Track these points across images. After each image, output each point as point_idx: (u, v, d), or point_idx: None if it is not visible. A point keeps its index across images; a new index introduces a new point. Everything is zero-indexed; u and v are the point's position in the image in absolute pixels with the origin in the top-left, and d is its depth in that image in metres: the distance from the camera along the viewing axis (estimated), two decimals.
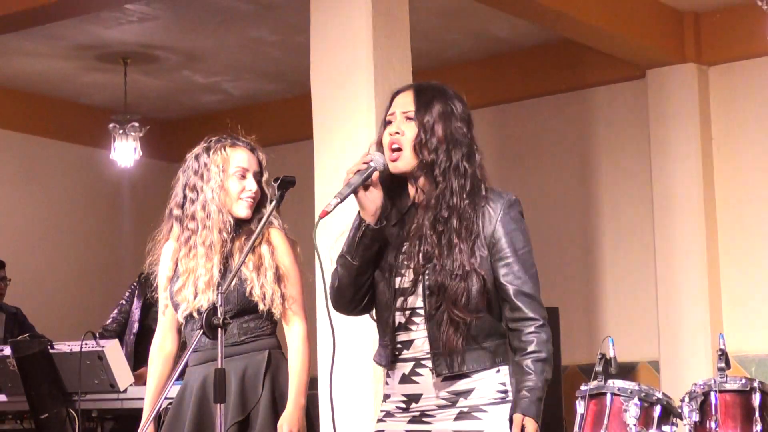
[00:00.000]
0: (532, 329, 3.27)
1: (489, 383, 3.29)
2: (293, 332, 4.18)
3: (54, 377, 5.39)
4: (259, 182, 4.24)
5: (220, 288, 3.39)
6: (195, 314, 4.10)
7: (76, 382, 5.31)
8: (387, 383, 3.42)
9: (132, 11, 8.38)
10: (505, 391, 3.30)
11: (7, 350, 5.60)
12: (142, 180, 10.50)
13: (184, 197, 4.23)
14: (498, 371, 3.31)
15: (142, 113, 10.03)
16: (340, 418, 5.98)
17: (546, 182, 9.55)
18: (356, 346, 5.97)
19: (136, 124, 9.44)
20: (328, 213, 3.24)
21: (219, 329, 3.23)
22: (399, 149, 3.33)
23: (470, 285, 3.25)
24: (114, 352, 5.33)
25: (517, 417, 3.19)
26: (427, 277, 3.27)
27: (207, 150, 4.26)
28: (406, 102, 3.39)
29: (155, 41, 9.11)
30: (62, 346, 5.47)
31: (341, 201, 3.25)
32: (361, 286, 3.36)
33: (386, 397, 3.42)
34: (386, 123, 3.40)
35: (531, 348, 3.25)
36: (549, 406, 7.47)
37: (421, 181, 3.36)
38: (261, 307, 4.09)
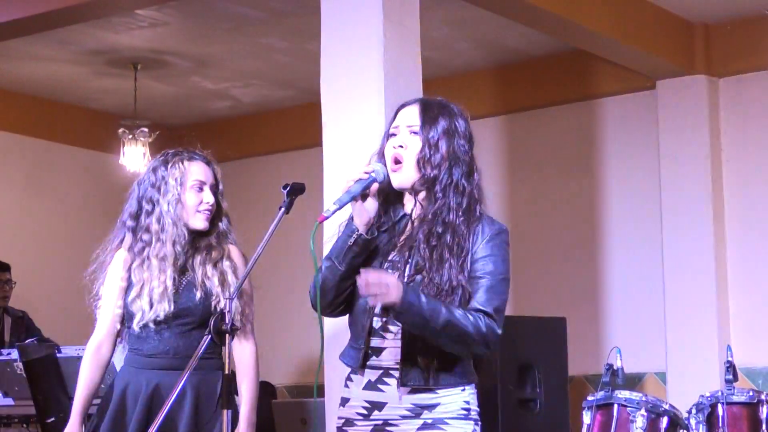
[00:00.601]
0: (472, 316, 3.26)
1: (454, 399, 3.34)
2: (246, 349, 4.24)
3: (60, 381, 5.40)
4: (215, 194, 4.28)
5: (228, 294, 3.41)
6: (151, 324, 4.16)
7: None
8: (347, 386, 3.42)
9: (143, 17, 8.40)
10: (468, 409, 3.35)
11: (14, 354, 5.61)
12: None
13: (140, 208, 4.29)
14: (463, 390, 3.36)
15: (151, 119, 10.05)
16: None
17: (554, 192, 9.54)
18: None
19: (146, 130, 9.45)
20: (326, 219, 3.28)
21: (227, 335, 3.25)
22: (401, 162, 3.37)
23: (455, 301, 3.27)
24: (120, 357, 5.33)
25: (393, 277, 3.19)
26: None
27: (165, 163, 4.32)
28: (411, 116, 3.42)
29: (165, 47, 9.12)
30: (69, 350, 5.48)
31: (339, 208, 3.29)
32: (344, 291, 3.39)
33: (344, 401, 3.42)
34: (389, 135, 3.43)
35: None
36: (556, 416, 7.46)
37: (421, 195, 3.40)
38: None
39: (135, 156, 9.45)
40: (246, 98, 10.51)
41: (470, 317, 3.24)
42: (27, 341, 5.51)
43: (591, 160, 9.46)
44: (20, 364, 5.51)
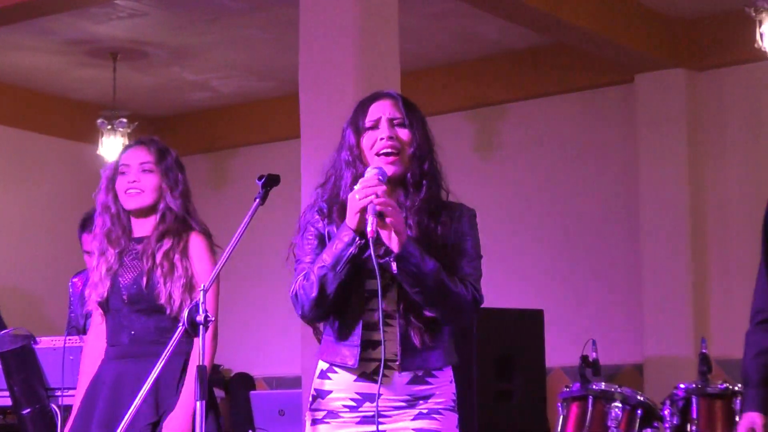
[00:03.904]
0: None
1: (445, 390, 3.41)
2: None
3: (38, 372, 5.38)
4: (149, 171, 4.28)
5: (203, 286, 3.39)
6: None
7: (59, 377, 5.32)
8: (329, 378, 3.40)
9: (122, 7, 8.38)
10: (455, 401, 3.44)
11: None
12: None
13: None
14: (451, 382, 3.43)
15: (131, 109, 10.03)
16: None
17: (532, 184, 9.56)
18: None
19: (125, 120, 9.43)
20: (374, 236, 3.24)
21: (200, 327, 3.24)
22: (396, 154, 3.40)
23: None
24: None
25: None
26: None
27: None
28: (393, 109, 3.46)
29: (145, 37, 9.11)
30: (46, 342, 5.47)
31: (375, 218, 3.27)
32: (339, 295, 3.34)
33: (324, 393, 3.41)
34: (367, 128, 3.43)
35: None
36: (533, 407, 7.48)
37: (405, 186, 3.42)
38: (168, 311, 4.13)
39: (113, 147, 9.43)
40: (226, 89, 10.49)
41: (459, 282, 3.32)
42: (2, 332, 5.49)
43: (569, 153, 9.48)
44: None
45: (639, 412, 5.67)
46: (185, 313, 3.30)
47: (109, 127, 9.45)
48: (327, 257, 3.30)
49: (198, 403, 3.22)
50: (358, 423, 3.35)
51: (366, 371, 3.34)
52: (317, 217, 3.44)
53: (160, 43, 9.24)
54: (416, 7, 8.27)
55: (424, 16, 8.59)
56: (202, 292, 3.27)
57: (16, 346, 5.41)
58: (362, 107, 3.48)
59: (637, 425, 5.65)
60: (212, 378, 4.14)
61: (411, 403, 3.35)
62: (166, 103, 10.82)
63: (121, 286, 4.22)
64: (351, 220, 3.26)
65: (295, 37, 6.54)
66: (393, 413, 3.35)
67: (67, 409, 5.36)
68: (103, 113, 9.55)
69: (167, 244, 4.21)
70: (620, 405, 5.64)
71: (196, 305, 3.28)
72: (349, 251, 3.26)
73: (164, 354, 3.32)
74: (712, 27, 8.82)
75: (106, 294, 4.24)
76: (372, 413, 3.33)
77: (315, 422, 3.39)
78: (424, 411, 3.34)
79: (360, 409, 3.35)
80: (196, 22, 8.81)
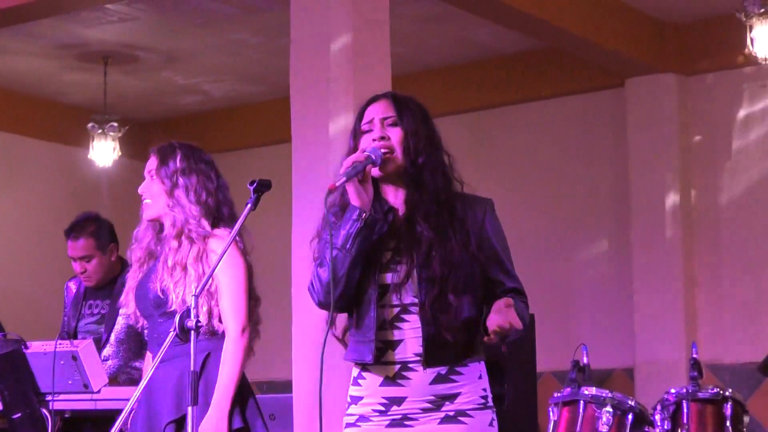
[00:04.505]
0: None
1: (473, 388, 3.37)
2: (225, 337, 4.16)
3: (28, 377, 5.37)
4: (153, 179, 4.30)
5: (194, 291, 3.39)
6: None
7: (50, 382, 5.31)
8: (359, 384, 3.42)
9: (113, 11, 8.38)
10: (486, 397, 3.40)
11: None
12: (120, 180, 10.46)
13: None
14: (480, 377, 3.39)
15: (121, 113, 10.01)
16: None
17: (522, 189, 9.56)
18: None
19: (115, 125, 9.42)
20: (336, 187, 3.29)
21: (191, 332, 3.24)
22: (389, 153, 3.40)
23: (466, 272, 3.35)
24: (88, 353, 5.32)
25: (508, 299, 3.31)
26: (423, 270, 3.33)
27: None
28: (384, 109, 3.48)
29: (136, 41, 9.10)
30: (36, 346, 5.46)
31: (347, 180, 3.29)
32: (354, 281, 3.34)
33: (356, 399, 3.43)
34: (362, 132, 3.45)
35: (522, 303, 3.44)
36: (524, 412, 7.47)
37: (408, 182, 3.42)
38: None
39: (104, 151, 9.43)
40: (217, 93, 10.49)
41: (523, 304, 3.43)
42: None
43: (560, 156, 9.49)
44: None
45: (630, 417, 5.66)
46: (176, 318, 3.30)
47: (99, 131, 9.44)
48: (336, 240, 3.33)
49: (190, 408, 3.23)
50: (387, 426, 3.36)
51: (388, 375, 3.36)
52: (333, 219, 3.45)
53: (151, 47, 9.23)
54: (408, 11, 8.27)
55: (416, 20, 8.59)
56: (193, 298, 3.27)
57: (6, 351, 5.40)
58: (360, 112, 3.51)
59: (628, 430, 5.64)
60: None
61: (437, 404, 3.34)
62: (156, 106, 10.81)
63: (149, 290, 4.21)
64: (354, 199, 3.31)
65: (286, 41, 6.53)
66: (420, 416, 3.34)
67: (57, 414, 5.36)
68: (93, 117, 9.54)
69: (178, 248, 4.17)
70: (611, 410, 5.63)
71: (188, 310, 3.29)
72: (356, 226, 3.29)
73: (157, 357, 3.31)
74: (702, 32, 8.84)
75: (132, 305, 4.27)
76: (399, 416, 3.35)
77: (348, 426, 3.43)
78: (451, 413, 3.33)
79: (388, 413, 3.37)
80: (187, 27, 8.80)
